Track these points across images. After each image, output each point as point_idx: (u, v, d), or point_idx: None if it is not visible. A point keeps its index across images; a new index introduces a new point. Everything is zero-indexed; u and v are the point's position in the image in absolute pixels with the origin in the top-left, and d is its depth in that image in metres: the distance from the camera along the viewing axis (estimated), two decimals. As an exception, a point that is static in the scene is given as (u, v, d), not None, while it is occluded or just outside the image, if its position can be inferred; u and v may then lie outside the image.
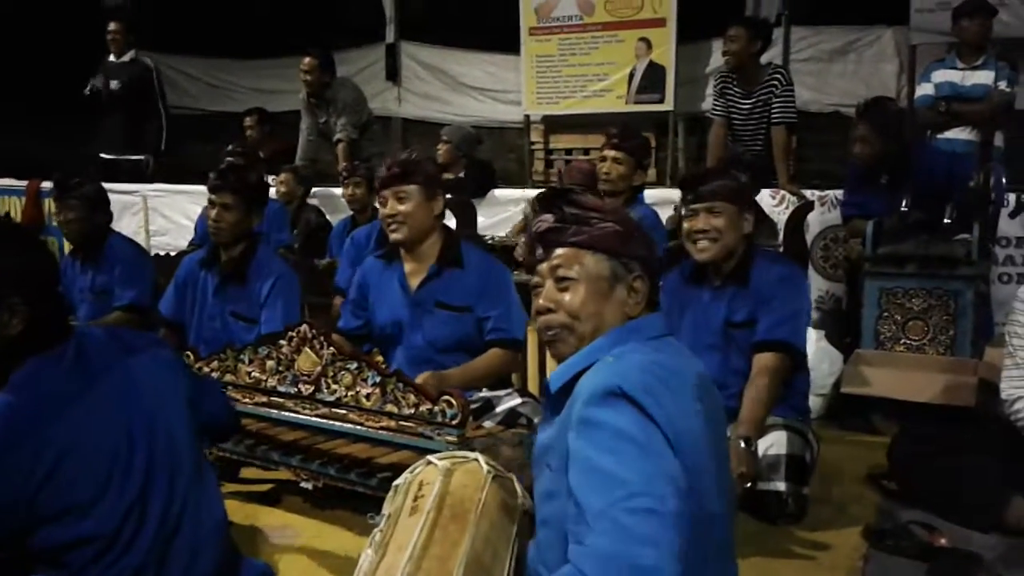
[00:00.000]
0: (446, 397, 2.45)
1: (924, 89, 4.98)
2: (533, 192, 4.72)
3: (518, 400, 2.89)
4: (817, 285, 4.81)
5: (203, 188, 3.40)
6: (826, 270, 4.85)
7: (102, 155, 6.62)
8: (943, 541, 2.51)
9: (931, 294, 3.81)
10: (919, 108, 5.06)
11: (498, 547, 1.62)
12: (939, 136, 4.92)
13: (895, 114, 4.30)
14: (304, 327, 2.74)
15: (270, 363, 2.79)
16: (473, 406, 2.69)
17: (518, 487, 1.75)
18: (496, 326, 2.94)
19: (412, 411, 2.50)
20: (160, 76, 6.75)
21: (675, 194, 3.66)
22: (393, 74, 7.97)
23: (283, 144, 6.50)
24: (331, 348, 2.68)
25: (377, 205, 3.11)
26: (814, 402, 3.56)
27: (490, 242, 4.75)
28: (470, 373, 2.87)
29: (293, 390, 2.75)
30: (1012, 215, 4.48)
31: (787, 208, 4.80)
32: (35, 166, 6.69)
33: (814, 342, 3.93)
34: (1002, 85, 4.74)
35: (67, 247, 4.34)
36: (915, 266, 3.84)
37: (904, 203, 4.03)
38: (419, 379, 2.64)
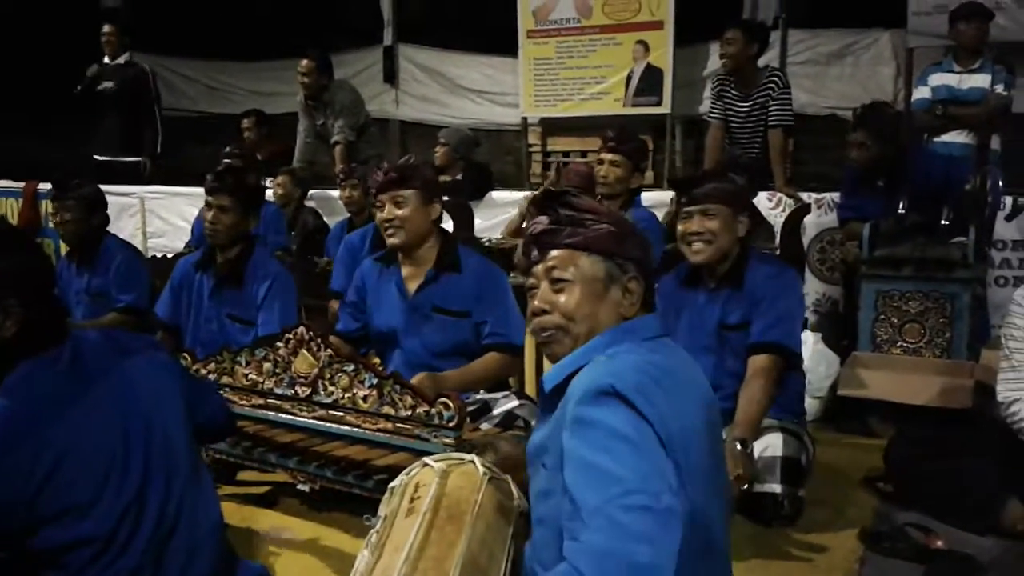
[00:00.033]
0: (443, 399, 2.45)
1: (921, 92, 4.98)
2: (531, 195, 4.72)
3: (515, 402, 2.90)
4: (814, 288, 4.82)
5: (200, 190, 3.40)
6: (823, 273, 4.86)
7: (96, 156, 6.61)
8: (939, 543, 2.51)
9: (927, 297, 3.82)
10: (916, 111, 5.06)
11: (494, 548, 1.62)
12: (936, 139, 4.92)
13: (892, 119, 4.31)
14: (301, 329, 2.74)
15: (267, 365, 2.79)
16: (470, 408, 2.69)
17: (514, 488, 1.75)
18: (493, 330, 2.94)
19: (409, 413, 2.50)
20: (155, 79, 6.74)
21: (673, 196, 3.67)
22: (391, 76, 7.97)
23: (281, 146, 6.50)
24: (328, 350, 2.68)
25: (374, 209, 3.11)
26: (811, 404, 3.57)
27: (487, 244, 4.75)
28: (467, 376, 2.87)
29: (290, 392, 2.75)
30: (1008, 218, 4.49)
31: (784, 211, 4.80)
32: (32, 168, 6.69)
33: (811, 345, 3.94)
34: (999, 88, 4.74)
35: (63, 249, 4.33)
36: (911, 269, 3.85)
37: (901, 206, 4.04)
38: (414, 380, 2.64)
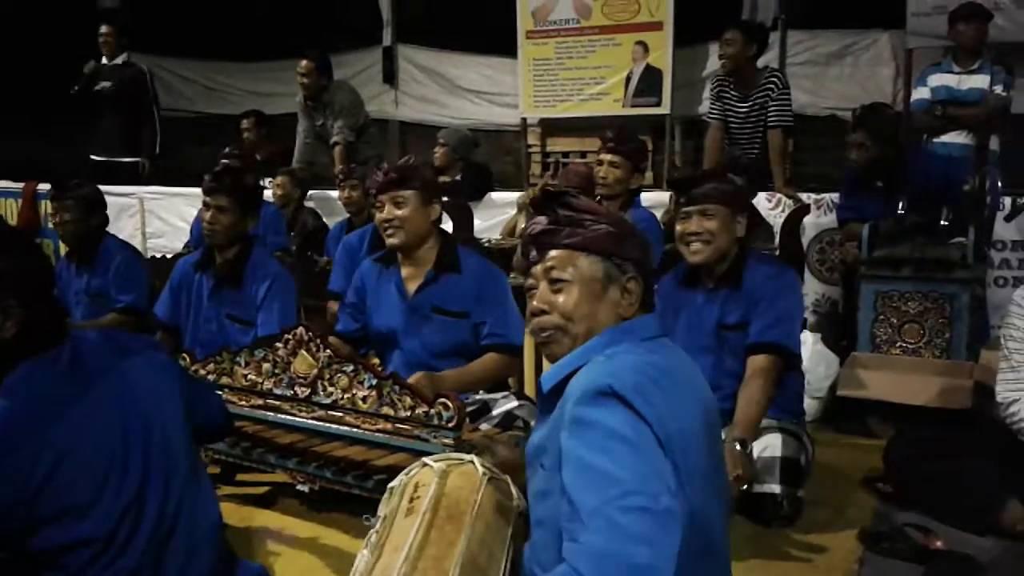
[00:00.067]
0: (442, 400, 2.45)
1: (920, 93, 4.99)
2: (530, 195, 4.72)
3: (515, 403, 2.90)
4: (813, 288, 4.82)
5: (199, 191, 3.40)
6: (822, 273, 4.86)
7: (93, 156, 6.61)
8: (939, 544, 2.51)
9: (927, 297, 3.82)
10: (915, 112, 5.07)
11: (493, 548, 1.62)
12: (935, 140, 4.92)
13: (891, 119, 4.32)
14: (300, 329, 2.74)
15: (266, 366, 2.79)
16: (469, 409, 2.69)
17: (513, 489, 1.75)
18: (492, 331, 2.94)
19: (408, 414, 2.50)
20: (153, 79, 6.74)
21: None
22: (390, 77, 7.96)
23: (280, 147, 6.50)
24: (327, 351, 2.68)
25: (374, 210, 3.11)
26: (810, 405, 3.57)
27: (487, 245, 4.75)
28: (465, 376, 2.87)
29: (289, 393, 2.75)
30: (1008, 218, 4.49)
31: (783, 211, 4.81)
32: (32, 168, 6.69)
33: (810, 345, 3.94)
34: (998, 89, 4.75)
35: (63, 249, 4.33)
36: (911, 269, 3.85)
37: (900, 206, 4.04)
38: (412, 379, 2.64)
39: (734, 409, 2.64)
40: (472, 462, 1.78)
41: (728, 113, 5.20)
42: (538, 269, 1.63)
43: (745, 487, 2.49)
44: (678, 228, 2.86)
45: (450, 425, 2.43)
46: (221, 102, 8.68)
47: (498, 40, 7.04)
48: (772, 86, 5.03)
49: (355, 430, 2.61)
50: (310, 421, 2.71)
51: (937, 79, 4.90)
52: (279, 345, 2.76)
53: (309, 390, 2.70)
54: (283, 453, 2.67)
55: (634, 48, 6.40)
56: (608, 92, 6.56)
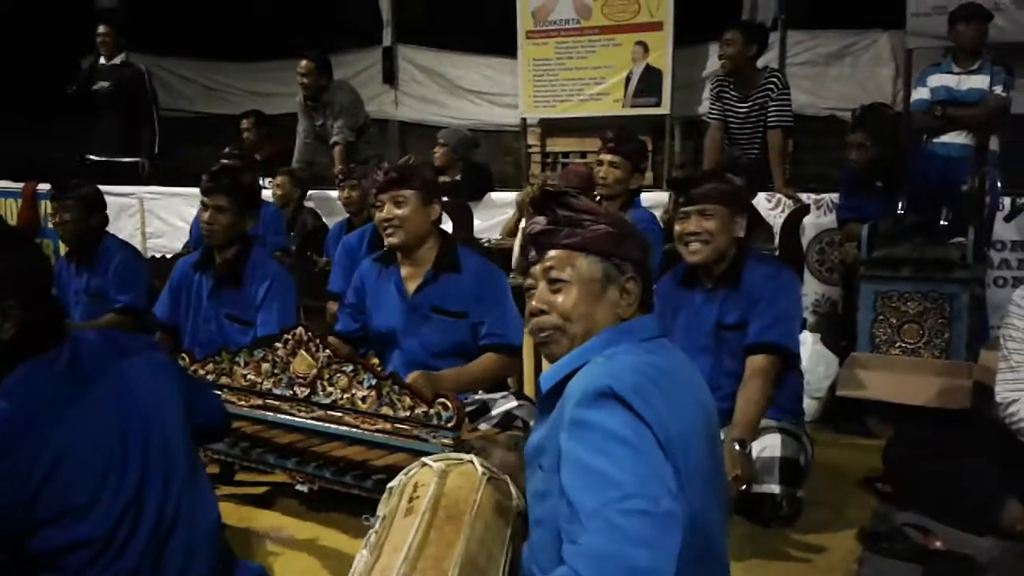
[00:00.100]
0: (441, 400, 2.45)
1: (920, 93, 4.99)
2: (530, 195, 4.71)
3: (514, 403, 2.90)
4: (813, 288, 4.82)
5: (199, 190, 3.39)
6: (822, 273, 4.86)
7: (91, 156, 6.61)
8: (938, 544, 2.52)
9: (926, 297, 3.82)
10: (915, 112, 5.07)
11: (493, 549, 1.62)
12: (935, 140, 4.92)
13: (890, 120, 4.32)
14: (300, 330, 2.74)
15: (266, 366, 2.79)
16: (469, 409, 2.69)
17: (513, 489, 1.75)
18: (491, 331, 2.94)
19: (407, 414, 2.50)
20: (152, 79, 6.75)
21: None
22: (390, 77, 7.97)
23: (280, 147, 6.50)
24: (327, 351, 2.68)
25: (374, 209, 3.11)
26: (809, 405, 3.57)
27: (486, 245, 4.76)
28: (463, 376, 2.87)
29: (289, 393, 2.75)
30: (1007, 219, 4.49)
31: (783, 211, 4.81)
32: (32, 168, 6.69)
33: (810, 345, 3.94)
34: (998, 89, 4.75)
35: (62, 249, 4.33)
36: (910, 269, 3.85)
37: (899, 207, 4.04)
38: (409, 378, 2.64)
39: (733, 409, 2.64)
40: (471, 462, 1.78)
41: (728, 113, 5.20)
42: (537, 269, 1.63)
43: (744, 487, 2.50)
44: (677, 228, 2.86)
45: (449, 425, 2.43)
46: (221, 102, 8.68)
47: (498, 40, 7.04)
48: (772, 86, 5.03)
49: (354, 430, 2.61)
50: (309, 421, 2.71)
51: (937, 79, 4.90)
52: (278, 345, 2.76)
53: (308, 390, 2.70)
54: (282, 453, 2.67)
55: (634, 48, 6.40)
56: (608, 92, 6.56)
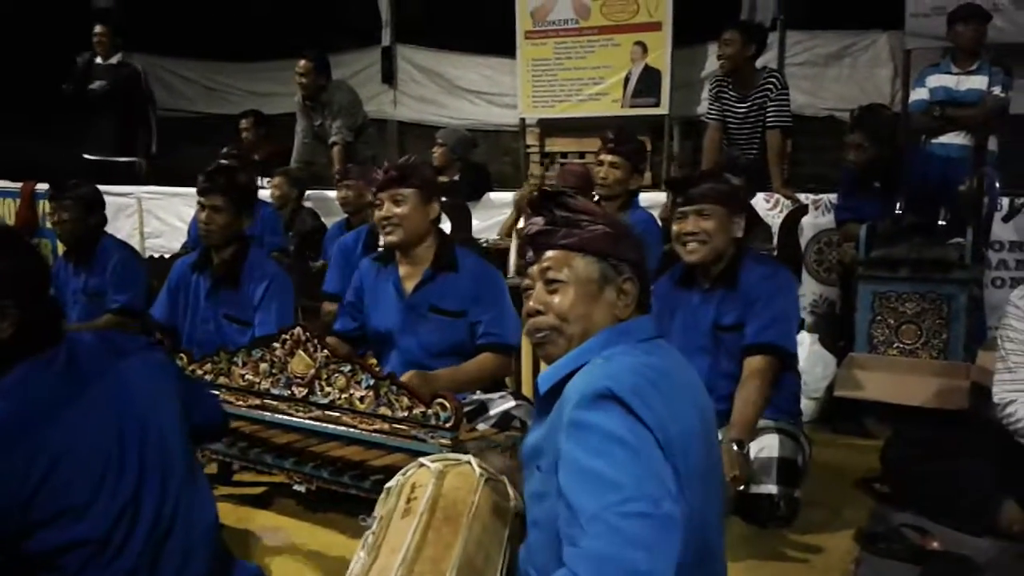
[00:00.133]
0: (439, 400, 2.45)
1: (918, 94, 4.99)
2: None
3: (512, 403, 2.90)
4: (811, 289, 4.83)
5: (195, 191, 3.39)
6: (820, 274, 4.86)
7: (86, 156, 6.61)
8: (935, 544, 2.52)
9: (924, 298, 3.82)
10: (913, 113, 5.07)
11: (490, 550, 1.62)
12: (933, 141, 4.93)
13: (888, 120, 4.32)
14: (298, 330, 2.73)
15: (263, 366, 2.79)
16: (467, 409, 2.69)
17: (510, 490, 1.74)
18: (488, 330, 2.94)
19: (405, 414, 2.50)
20: (148, 79, 6.74)
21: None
22: (389, 77, 7.97)
23: (278, 147, 6.50)
24: (325, 351, 2.68)
25: (374, 208, 3.11)
26: (807, 405, 3.57)
27: (484, 245, 4.75)
28: (459, 376, 2.87)
29: (286, 393, 2.74)
30: (1005, 219, 4.49)
31: (781, 212, 4.81)
32: (30, 168, 6.69)
33: (807, 346, 3.94)
34: (996, 90, 4.75)
35: (60, 249, 4.33)
36: (908, 270, 3.85)
37: (898, 207, 4.04)
38: (403, 378, 2.64)
39: (731, 410, 2.64)
40: (469, 463, 1.77)
41: (727, 113, 5.20)
42: (534, 270, 1.63)
43: (742, 488, 2.50)
44: (675, 228, 2.86)
45: (447, 425, 2.43)
46: (220, 102, 8.69)
47: (497, 40, 7.04)
48: (770, 86, 5.03)
49: (352, 430, 2.61)
50: (307, 421, 2.70)
51: (935, 80, 4.90)
52: (276, 345, 2.76)
53: (306, 390, 2.70)
54: (280, 453, 2.67)
55: (633, 48, 6.41)
56: (607, 92, 6.57)
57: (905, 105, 5.55)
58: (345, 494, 2.51)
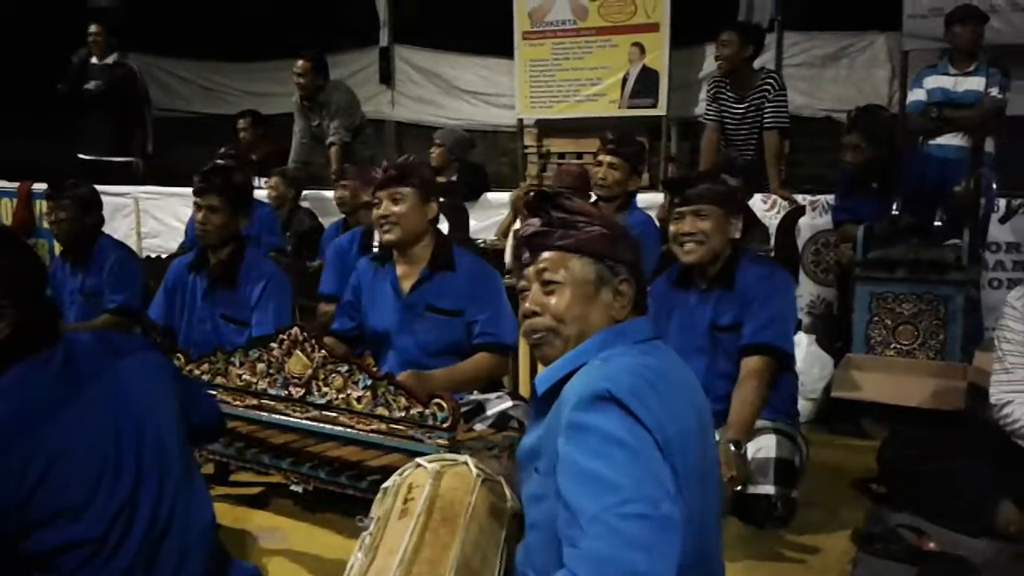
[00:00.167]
0: (437, 400, 2.45)
1: (916, 95, 5.00)
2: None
3: (509, 403, 2.90)
4: (808, 289, 4.83)
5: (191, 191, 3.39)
6: (817, 274, 4.86)
7: (81, 155, 6.60)
8: (932, 545, 2.52)
9: (921, 299, 3.82)
10: (911, 114, 5.08)
11: (487, 551, 1.62)
12: (931, 142, 4.94)
13: (886, 121, 4.31)
14: (295, 330, 2.74)
15: (261, 366, 2.79)
16: (464, 409, 2.69)
17: (507, 490, 1.74)
18: (484, 330, 2.95)
19: (403, 414, 2.50)
20: (144, 79, 6.73)
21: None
22: (387, 77, 7.97)
23: (276, 147, 6.49)
24: (322, 351, 2.68)
25: (373, 207, 3.11)
26: (804, 406, 3.57)
27: (482, 245, 4.75)
28: (455, 375, 2.88)
29: (284, 393, 2.74)
30: (1002, 220, 4.49)
31: (779, 213, 4.81)
32: (27, 168, 6.68)
33: (805, 346, 3.95)
34: (993, 91, 4.76)
35: (57, 249, 4.32)
36: (905, 271, 3.85)
37: (895, 208, 4.04)
38: (399, 377, 2.64)
39: (728, 410, 2.64)
40: (466, 463, 1.77)
41: (724, 114, 5.21)
42: (530, 271, 1.62)
43: (739, 488, 2.50)
44: (672, 228, 2.86)
45: (444, 426, 2.43)
46: (218, 102, 8.69)
47: (495, 41, 7.05)
48: (768, 87, 5.03)
49: (349, 430, 2.61)
50: (304, 421, 2.70)
51: (933, 81, 4.91)
52: (274, 345, 2.76)
53: (303, 390, 2.70)
54: (277, 453, 2.66)
55: (630, 49, 6.41)
56: (604, 93, 6.57)
57: (902, 106, 5.56)
58: (342, 494, 2.51)
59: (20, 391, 1.67)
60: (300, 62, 5.89)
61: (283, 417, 2.75)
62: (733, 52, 5.01)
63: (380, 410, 2.54)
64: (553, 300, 1.59)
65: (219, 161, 4.42)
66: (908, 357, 3.83)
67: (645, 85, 6.39)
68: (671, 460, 1.38)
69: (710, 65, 6.14)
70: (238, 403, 2.82)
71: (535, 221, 1.63)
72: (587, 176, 4.32)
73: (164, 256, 5.29)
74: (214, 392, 2.76)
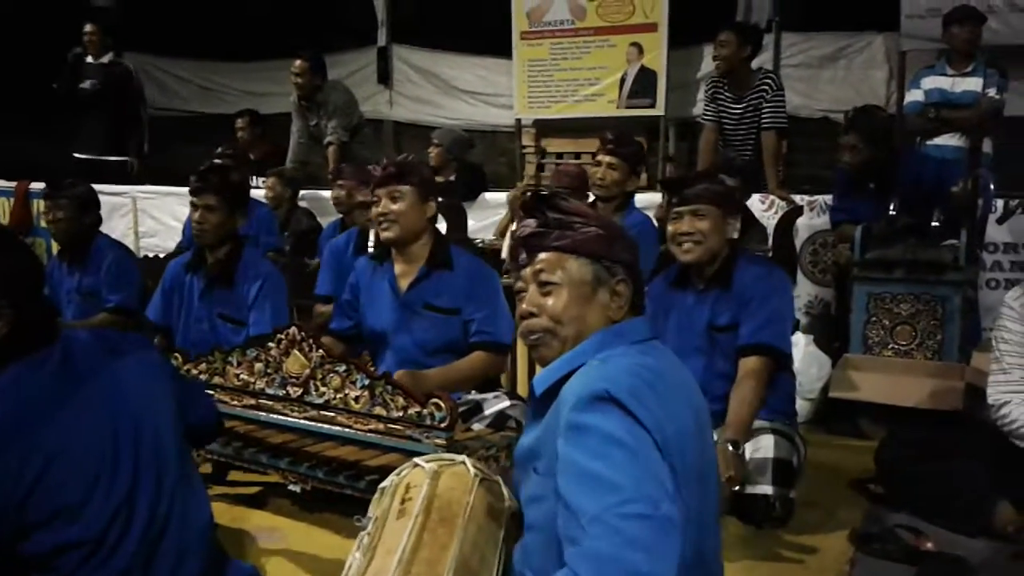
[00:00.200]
0: (434, 400, 2.45)
1: (913, 95, 5.00)
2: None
3: (507, 403, 2.90)
4: (806, 290, 4.83)
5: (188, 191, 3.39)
6: (815, 275, 4.86)
7: (76, 155, 6.60)
8: (929, 545, 2.52)
9: (919, 299, 3.82)
10: (908, 114, 5.08)
11: (486, 551, 1.62)
12: (928, 142, 4.94)
13: (883, 122, 4.31)
14: (293, 329, 2.74)
15: (258, 365, 2.79)
16: (461, 409, 2.69)
17: (504, 490, 1.74)
18: (481, 328, 2.95)
19: (401, 414, 2.50)
20: (139, 78, 6.72)
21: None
22: (385, 77, 7.97)
23: (274, 147, 6.49)
24: (320, 350, 2.68)
25: (372, 207, 3.11)
26: (802, 406, 3.57)
27: (480, 245, 4.75)
28: (451, 374, 2.88)
29: (282, 392, 2.74)
30: (1000, 221, 4.49)
31: (776, 213, 4.81)
32: (24, 167, 6.67)
33: (802, 347, 3.95)
34: (991, 92, 4.76)
35: (55, 248, 4.32)
36: (903, 271, 3.85)
37: (892, 208, 4.04)
38: (395, 376, 2.64)
39: (725, 410, 2.64)
40: (463, 463, 1.77)
41: (722, 115, 5.21)
42: (527, 272, 1.62)
43: (737, 488, 2.50)
44: (670, 228, 2.86)
45: (442, 425, 2.43)
46: (216, 102, 8.68)
47: (493, 41, 7.04)
48: (766, 88, 5.03)
49: (347, 430, 2.61)
50: (302, 421, 2.70)
51: (930, 82, 4.92)
52: (271, 345, 2.76)
53: (301, 390, 2.70)
54: (275, 453, 2.66)
55: (628, 49, 6.41)
56: (602, 93, 6.57)
57: (900, 107, 5.57)
58: (340, 494, 2.51)
59: (17, 391, 1.67)
60: (298, 62, 5.89)
61: (281, 417, 2.75)
62: (731, 52, 5.01)
63: (378, 410, 2.54)
64: (550, 301, 1.59)
65: (216, 160, 4.42)
66: (906, 357, 3.83)
67: (643, 85, 6.39)
68: (670, 460, 1.38)
69: (708, 65, 6.13)
70: (236, 403, 2.82)
71: (531, 222, 1.63)
72: (585, 176, 4.32)
73: (162, 255, 5.29)
74: (212, 392, 2.76)
